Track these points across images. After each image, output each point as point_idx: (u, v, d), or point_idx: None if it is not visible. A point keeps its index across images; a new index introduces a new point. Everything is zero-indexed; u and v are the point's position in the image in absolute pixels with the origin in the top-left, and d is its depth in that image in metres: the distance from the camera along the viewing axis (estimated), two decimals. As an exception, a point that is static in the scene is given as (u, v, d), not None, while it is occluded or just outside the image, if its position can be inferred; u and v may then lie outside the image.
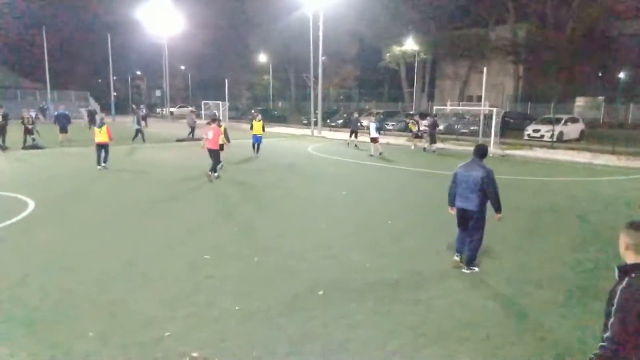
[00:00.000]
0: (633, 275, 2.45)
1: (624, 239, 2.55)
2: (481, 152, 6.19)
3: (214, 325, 4.69)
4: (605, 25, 35.82)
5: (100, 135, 14.52)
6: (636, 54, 41.42)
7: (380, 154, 19.13)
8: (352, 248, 7.19)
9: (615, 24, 36.77)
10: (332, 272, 6.16)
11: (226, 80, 42.28)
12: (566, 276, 6.15)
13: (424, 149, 21.71)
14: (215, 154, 13.15)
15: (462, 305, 5.20)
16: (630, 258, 2.52)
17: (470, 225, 6.12)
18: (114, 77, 50.67)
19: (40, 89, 48.60)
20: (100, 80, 61.96)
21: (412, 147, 22.55)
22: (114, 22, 49.52)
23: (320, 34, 31.48)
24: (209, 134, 13.18)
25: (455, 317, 4.91)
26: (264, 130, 18.74)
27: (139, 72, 71.87)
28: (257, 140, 18.52)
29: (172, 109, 55.60)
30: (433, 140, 21.54)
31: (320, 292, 5.45)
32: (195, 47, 54.27)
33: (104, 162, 14.69)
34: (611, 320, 2.44)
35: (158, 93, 64.15)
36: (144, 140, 23.45)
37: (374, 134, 19.42)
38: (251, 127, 18.71)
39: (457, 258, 6.38)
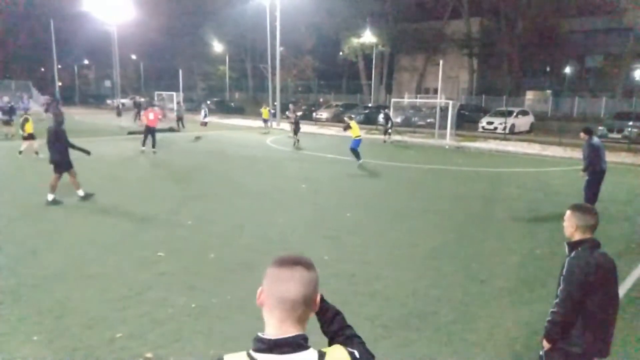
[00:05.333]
0: (580, 249, 2.76)
1: (571, 220, 2.82)
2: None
3: (168, 324, 4.52)
4: (553, 22, 37.25)
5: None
6: (580, 50, 43.48)
7: (197, 137, 21.78)
8: (311, 241, 7.16)
9: (562, 21, 38.28)
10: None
11: (180, 71, 41.02)
12: (517, 264, 6.37)
13: (384, 141, 21.98)
14: (154, 131, 16.50)
15: (415, 294, 5.28)
16: (577, 236, 2.80)
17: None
18: (59, 66, 47.92)
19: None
20: (43, 70, 58.44)
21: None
22: (57, 7, 46.72)
23: (278, 24, 31.08)
24: (149, 116, 16.57)
25: (410, 307, 4.97)
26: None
27: (86, 61, 68.41)
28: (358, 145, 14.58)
29: (122, 100, 53.17)
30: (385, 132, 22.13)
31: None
32: (148, 36, 51.97)
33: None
34: (560, 287, 2.75)
35: (108, 83, 61.33)
36: (183, 125, 25.34)
37: (202, 119, 23.44)
38: (347, 128, 14.69)
39: None
